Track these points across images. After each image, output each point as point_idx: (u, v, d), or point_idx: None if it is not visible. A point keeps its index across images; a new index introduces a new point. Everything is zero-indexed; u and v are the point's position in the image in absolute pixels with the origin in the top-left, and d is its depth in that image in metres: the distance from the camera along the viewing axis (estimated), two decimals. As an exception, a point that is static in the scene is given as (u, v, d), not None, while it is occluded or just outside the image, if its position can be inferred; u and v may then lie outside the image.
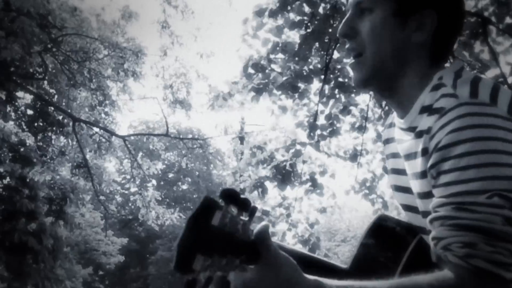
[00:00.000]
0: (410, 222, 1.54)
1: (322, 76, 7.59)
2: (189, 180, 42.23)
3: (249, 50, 7.77)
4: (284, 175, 7.62)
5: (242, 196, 1.20)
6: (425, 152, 1.30)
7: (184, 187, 43.13)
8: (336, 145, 8.22)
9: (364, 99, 8.00)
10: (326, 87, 7.69)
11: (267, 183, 7.79)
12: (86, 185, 17.82)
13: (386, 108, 6.86)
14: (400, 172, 1.51)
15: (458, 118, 1.23)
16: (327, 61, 7.41)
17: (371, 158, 8.45)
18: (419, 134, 1.34)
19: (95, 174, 16.43)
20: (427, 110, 1.34)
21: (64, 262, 18.08)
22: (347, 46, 1.49)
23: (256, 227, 1.26)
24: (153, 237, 36.15)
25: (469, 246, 1.18)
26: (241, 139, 8.58)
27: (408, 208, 1.51)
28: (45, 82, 16.89)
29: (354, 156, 8.11)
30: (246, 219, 1.24)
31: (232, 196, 1.18)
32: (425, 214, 1.34)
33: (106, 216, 22.40)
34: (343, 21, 1.49)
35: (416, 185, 1.39)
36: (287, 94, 7.61)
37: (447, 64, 1.50)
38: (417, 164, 1.34)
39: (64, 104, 15.67)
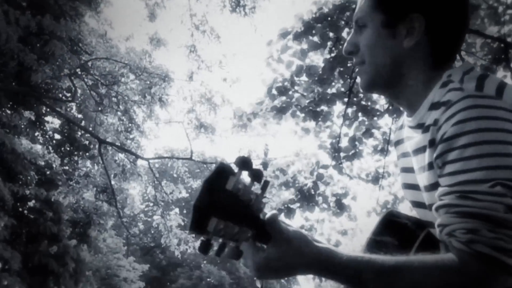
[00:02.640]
0: (420, 217, 1.59)
1: (346, 99, 7.67)
2: (212, 209, 42.12)
3: (272, 74, 7.89)
4: (308, 197, 7.66)
5: (255, 166, 1.28)
6: (432, 143, 1.36)
7: (207, 216, 43.03)
8: (359, 168, 8.26)
9: (387, 122, 8.06)
10: (349, 110, 7.77)
11: (293, 208, 7.83)
12: (110, 209, 17.95)
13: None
14: (409, 170, 1.56)
15: (463, 110, 1.29)
16: (350, 84, 7.50)
17: (393, 181, 8.47)
18: (426, 129, 1.40)
19: (119, 197, 16.55)
20: (436, 105, 1.40)
21: (86, 285, 18.11)
22: (353, 61, 1.61)
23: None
24: (174, 265, 36.06)
25: (472, 232, 1.23)
26: (265, 165, 8.61)
27: (417, 204, 1.56)
28: (73, 106, 17.20)
29: (376, 178, 8.13)
30: (259, 192, 1.32)
31: (245, 163, 1.26)
32: (432, 207, 1.39)
33: (128, 240, 22.44)
34: (347, 39, 1.60)
35: (424, 178, 1.44)
36: (310, 117, 7.69)
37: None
38: (425, 157, 1.40)
39: (91, 128, 15.91)
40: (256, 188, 1.30)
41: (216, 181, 1.22)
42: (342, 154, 7.74)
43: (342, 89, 7.74)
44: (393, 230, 1.63)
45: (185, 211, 38.91)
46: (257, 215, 1.30)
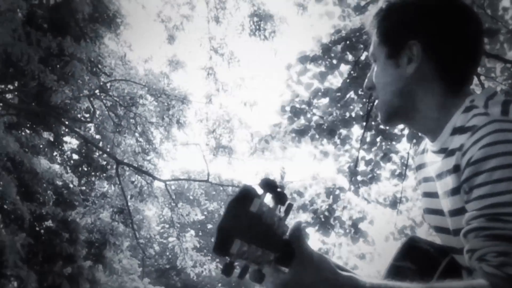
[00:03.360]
0: (443, 243, 1.57)
1: (364, 123, 7.65)
2: (228, 232, 42.02)
3: (291, 96, 7.90)
4: (324, 221, 7.61)
5: (279, 189, 1.26)
6: (457, 168, 1.35)
7: (222, 239, 42.92)
8: (376, 192, 8.20)
9: (405, 147, 8.02)
10: (368, 134, 7.74)
11: (307, 229, 7.78)
12: (125, 230, 17.95)
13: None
14: (432, 195, 1.55)
15: (490, 134, 1.28)
16: (368, 108, 7.48)
17: (411, 206, 8.39)
18: (450, 153, 1.40)
19: (135, 218, 16.55)
20: (459, 130, 1.40)
21: (101, 307, 18.03)
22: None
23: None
24: (189, 287, 35.89)
25: (503, 255, 1.21)
26: (282, 188, 8.58)
27: (440, 229, 1.55)
28: (92, 127, 17.31)
29: (394, 203, 8.07)
30: (282, 215, 1.30)
31: (270, 186, 1.24)
32: (457, 232, 1.38)
33: (143, 261, 22.38)
34: (368, 75, 1.64)
35: (448, 203, 1.43)
36: (328, 139, 7.68)
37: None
38: (449, 182, 1.39)
39: (108, 148, 15.99)
40: (280, 210, 1.29)
41: (241, 203, 1.21)
42: (359, 178, 7.69)
43: (361, 113, 7.73)
44: (415, 256, 1.61)
45: (200, 233, 38.85)
46: (280, 238, 1.29)
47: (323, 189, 7.89)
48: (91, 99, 15.00)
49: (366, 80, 1.63)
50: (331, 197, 7.65)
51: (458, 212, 1.37)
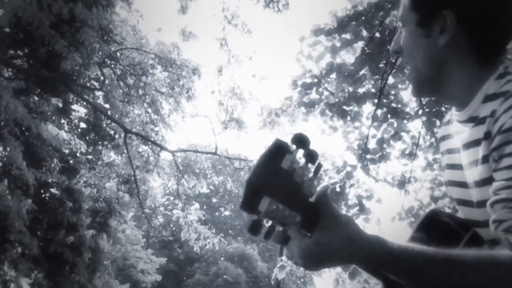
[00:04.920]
0: (464, 217, 1.52)
1: (376, 100, 7.54)
2: (232, 206, 42.23)
3: (302, 71, 7.79)
4: (333, 198, 7.55)
5: (312, 146, 1.19)
6: (488, 135, 1.29)
7: (227, 213, 43.14)
8: (385, 171, 8.12)
9: (416, 126, 7.92)
10: (379, 111, 7.64)
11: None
12: (131, 200, 18.02)
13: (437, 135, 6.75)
14: (456, 166, 1.50)
15: None
16: (381, 85, 7.37)
17: (419, 186, 8.32)
18: (481, 121, 1.33)
19: (141, 188, 16.59)
20: (491, 97, 1.33)
21: (104, 274, 18.20)
22: (393, 61, 1.58)
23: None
24: (192, 260, 36.20)
25: None
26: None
27: (462, 202, 1.50)
28: (101, 96, 17.29)
29: (402, 182, 7.98)
30: (311, 175, 1.23)
31: (303, 141, 1.17)
32: (482, 203, 1.33)
33: (147, 232, 22.55)
34: (394, 38, 1.56)
35: (475, 173, 1.37)
36: (338, 115, 7.59)
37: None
38: (479, 150, 1.33)
39: (117, 117, 15.97)
40: (309, 170, 1.23)
41: (272, 158, 1.14)
42: (368, 156, 7.60)
43: (373, 90, 7.62)
44: (436, 229, 1.56)
45: (205, 207, 39.05)
46: (308, 200, 1.22)
47: (330, 166, 7.80)
48: (101, 67, 14.93)
49: (393, 43, 1.55)
50: (341, 173, 7.55)
51: (485, 182, 1.32)
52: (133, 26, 16.06)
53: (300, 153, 1.17)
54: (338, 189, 7.36)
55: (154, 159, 16.93)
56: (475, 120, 1.37)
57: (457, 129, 1.50)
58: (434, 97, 1.68)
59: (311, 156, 1.19)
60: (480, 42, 1.42)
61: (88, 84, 16.28)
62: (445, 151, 1.61)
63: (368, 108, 7.82)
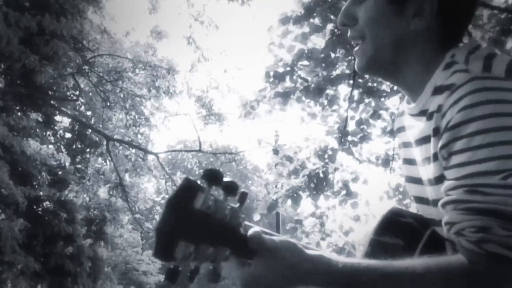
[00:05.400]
0: (423, 215, 1.46)
1: (351, 81, 7.51)
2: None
3: (274, 60, 7.75)
4: (317, 184, 7.52)
5: (227, 179, 1.14)
6: (436, 132, 1.22)
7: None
8: (368, 151, 8.10)
9: (395, 103, 7.88)
10: (355, 92, 7.60)
11: (300, 194, 7.69)
12: (124, 205, 17.97)
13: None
14: (411, 162, 1.43)
15: (469, 94, 1.15)
16: (354, 66, 7.33)
17: (404, 162, 8.28)
18: (430, 116, 1.25)
19: (132, 192, 16.54)
20: (439, 90, 1.25)
21: (105, 282, 18.17)
22: (348, 34, 1.41)
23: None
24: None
25: (483, 230, 1.11)
26: (276, 152, 8.52)
27: (419, 199, 1.44)
28: (82, 105, 17.16)
29: (386, 161, 7.97)
30: (236, 205, 1.19)
31: (215, 177, 1.12)
32: (436, 202, 1.26)
33: (143, 234, 22.51)
34: (342, 9, 1.42)
35: (428, 171, 1.30)
36: (315, 100, 7.54)
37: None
38: (430, 147, 1.26)
39: (100, 125, 15.88)
40: (233, 201, 1.18)
41: (181, 200, 1.08)
42: (350, 138, 7.58)
43: (347, 71, 7.58)
44: (397, 229, 1.49)
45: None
46: (235, 231, 1.18)
47: (313, 152, 7.76)
48: (76, 76, 14.80)
49: (342, 14, 1.40)
50: (324, 157, 7.51)
51: (437, 180, 1.26)
52: (105, 31, 15.91)
53: (217, 189, 1.13)
54: (321, 175, 7.32)
55: (141, 162, 16.87)
56: (425, 114, 1.29)
57: (409, 123, 1.43)
58: (383, 79, 1.56)
59: (229, 188, 1.14)
60: (452, 29, 1.35)
61: (68, 94, 16.16)
62: (401, 144, 1.54)
63: (344, 90, 7.80)
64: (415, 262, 1.20)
